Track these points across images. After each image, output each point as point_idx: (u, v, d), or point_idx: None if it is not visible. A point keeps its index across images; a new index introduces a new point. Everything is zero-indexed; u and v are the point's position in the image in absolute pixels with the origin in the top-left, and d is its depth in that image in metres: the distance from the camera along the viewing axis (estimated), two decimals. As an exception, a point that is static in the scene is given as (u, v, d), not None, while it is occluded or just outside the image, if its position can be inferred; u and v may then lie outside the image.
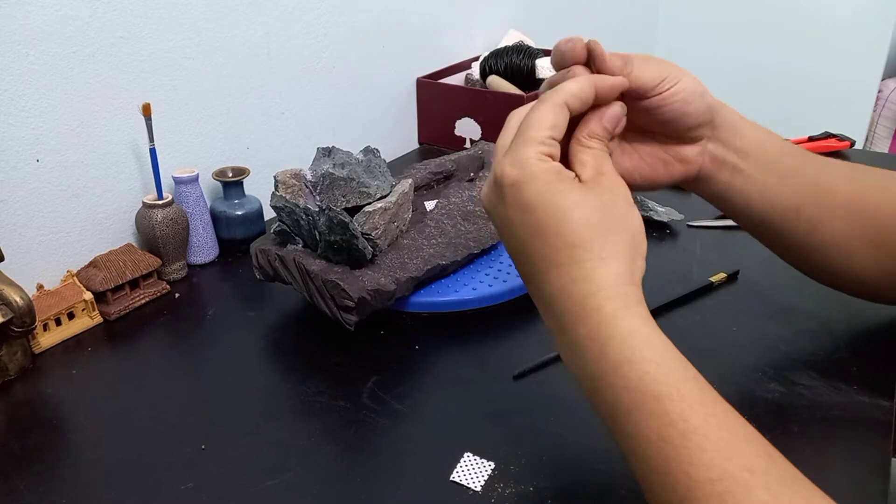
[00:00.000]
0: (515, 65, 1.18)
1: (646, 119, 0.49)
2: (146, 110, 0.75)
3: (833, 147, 1.12)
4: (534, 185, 0.39)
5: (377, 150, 0.72)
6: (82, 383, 0.63)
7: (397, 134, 1.19)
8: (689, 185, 0.54)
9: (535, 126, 0.41)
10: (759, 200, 0.53)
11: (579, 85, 0.42)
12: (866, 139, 2.23)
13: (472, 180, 0.85)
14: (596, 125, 0.43)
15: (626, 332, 0.37)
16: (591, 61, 0.45)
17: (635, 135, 0.51)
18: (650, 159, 0.52)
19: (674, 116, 0.49)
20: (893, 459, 0.52)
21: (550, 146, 0.41)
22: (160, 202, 0.77)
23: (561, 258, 0.39)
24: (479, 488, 0.49)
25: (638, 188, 0.53)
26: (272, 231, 0.70)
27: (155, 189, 0.78)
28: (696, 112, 0.49)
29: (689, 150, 0.51)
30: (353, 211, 0.68)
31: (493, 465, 0.51)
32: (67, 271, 0.73)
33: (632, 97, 0.47)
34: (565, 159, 0.43)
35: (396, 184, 0.72)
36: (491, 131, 1.13)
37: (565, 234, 0.39)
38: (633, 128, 0.50)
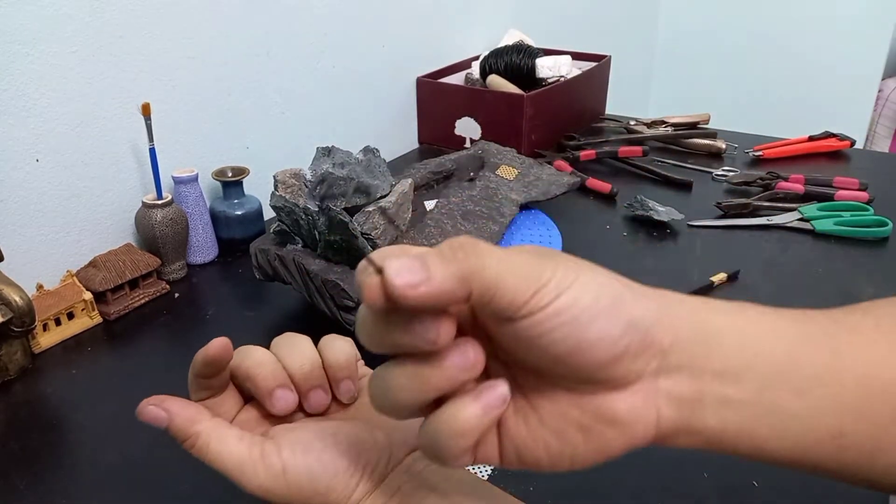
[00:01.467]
0: (515, 64, 1.18)
1: (532, 358, 0.28)
2: (146, 110, 0.75)
3: (833, 147, 1.12)
4: None
5: (377, 149, 0.72)
6: (82, 383, 0.63)
7: (397, 134, 1.19)
8: (659, 444, 0.30)
9: None
10: (774, 437, 0.30)
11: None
12: (866, 139, 2.23)
13: (472, 180, 0.85)
14: None
15: None
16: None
17: (535, 381, 0.30)
18: (557, 424, 0.29)
19: (565, 351, 0.27)
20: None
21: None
22: (160, 202, 0.77)
23: None
24: (478, 488, 0.49)
25: (549, 468, 0.30)
26: (272, 231, 0.70)
27: (154, 189, 0.78)
28: (605, 339, 0.27)
29: (620, 402, 0.28)
30: (353, 211, 0.68)
31: (493, 466, 0.51)
32: (67, 271, 0.73)
33: (497, 321, 0.27)
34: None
35: (396, 184, 0.72)
36: (491, 131, 1.13)
37: None
38: (529, 369, 0.29)
